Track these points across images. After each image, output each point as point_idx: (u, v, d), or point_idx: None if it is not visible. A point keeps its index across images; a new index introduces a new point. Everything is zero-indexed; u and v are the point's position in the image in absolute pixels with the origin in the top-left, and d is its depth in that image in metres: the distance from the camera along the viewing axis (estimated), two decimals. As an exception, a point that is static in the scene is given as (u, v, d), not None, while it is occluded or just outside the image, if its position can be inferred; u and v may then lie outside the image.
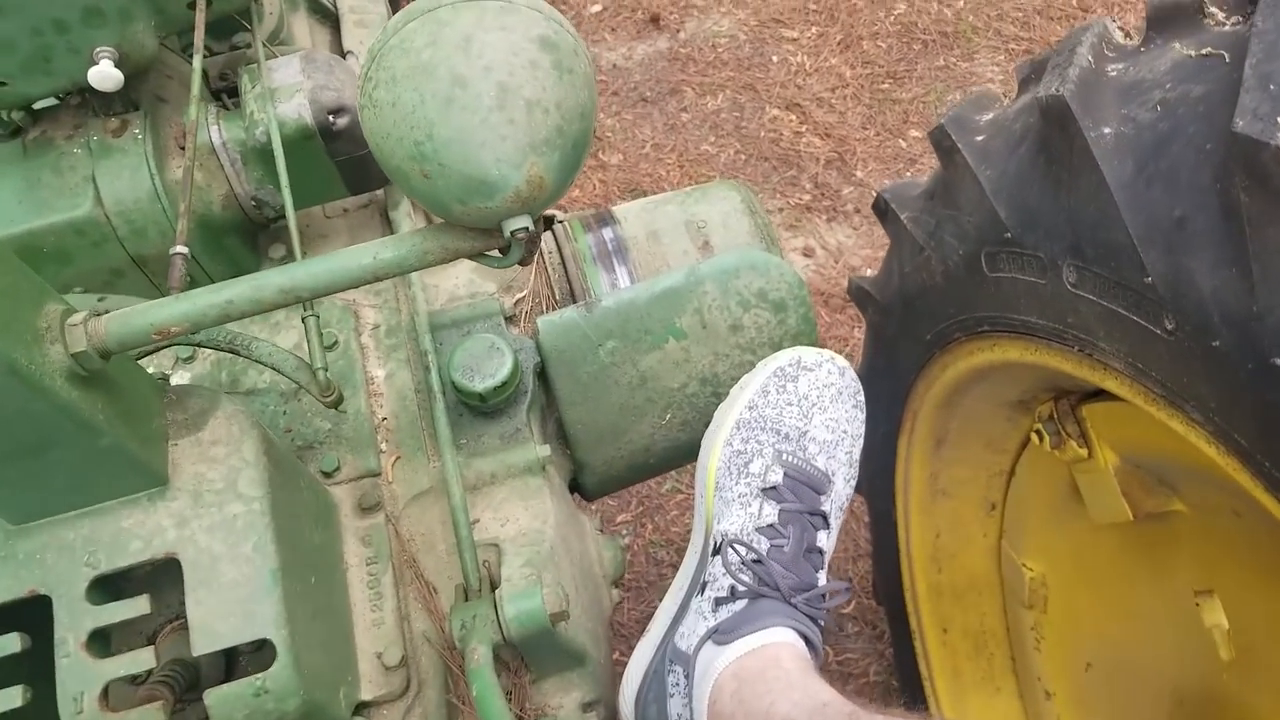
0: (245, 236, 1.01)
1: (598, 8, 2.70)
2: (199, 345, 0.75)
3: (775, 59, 2.53)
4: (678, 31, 2.63)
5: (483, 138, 0.56)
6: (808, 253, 2.12)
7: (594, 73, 0.63)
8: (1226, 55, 0.72)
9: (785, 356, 0.94)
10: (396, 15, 0.59)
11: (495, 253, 0.66)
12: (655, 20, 2.65)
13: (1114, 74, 0.82)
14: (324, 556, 0.82)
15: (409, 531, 0.91)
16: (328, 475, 0.92)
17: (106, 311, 0.64)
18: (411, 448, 0.95)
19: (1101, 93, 0.80)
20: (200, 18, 0.83)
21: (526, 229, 0.60)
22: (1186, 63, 0.76)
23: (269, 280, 0.63)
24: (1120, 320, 0.77)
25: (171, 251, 0.69)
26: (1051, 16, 2.46)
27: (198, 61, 0.81)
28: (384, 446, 0.96)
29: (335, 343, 0.98)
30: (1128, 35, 0.89)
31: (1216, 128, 0.67)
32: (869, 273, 2.12)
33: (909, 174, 2.26)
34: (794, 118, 2.41)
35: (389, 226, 1.06)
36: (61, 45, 0.81)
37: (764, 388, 0.93)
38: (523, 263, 0.67)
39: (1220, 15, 0.78)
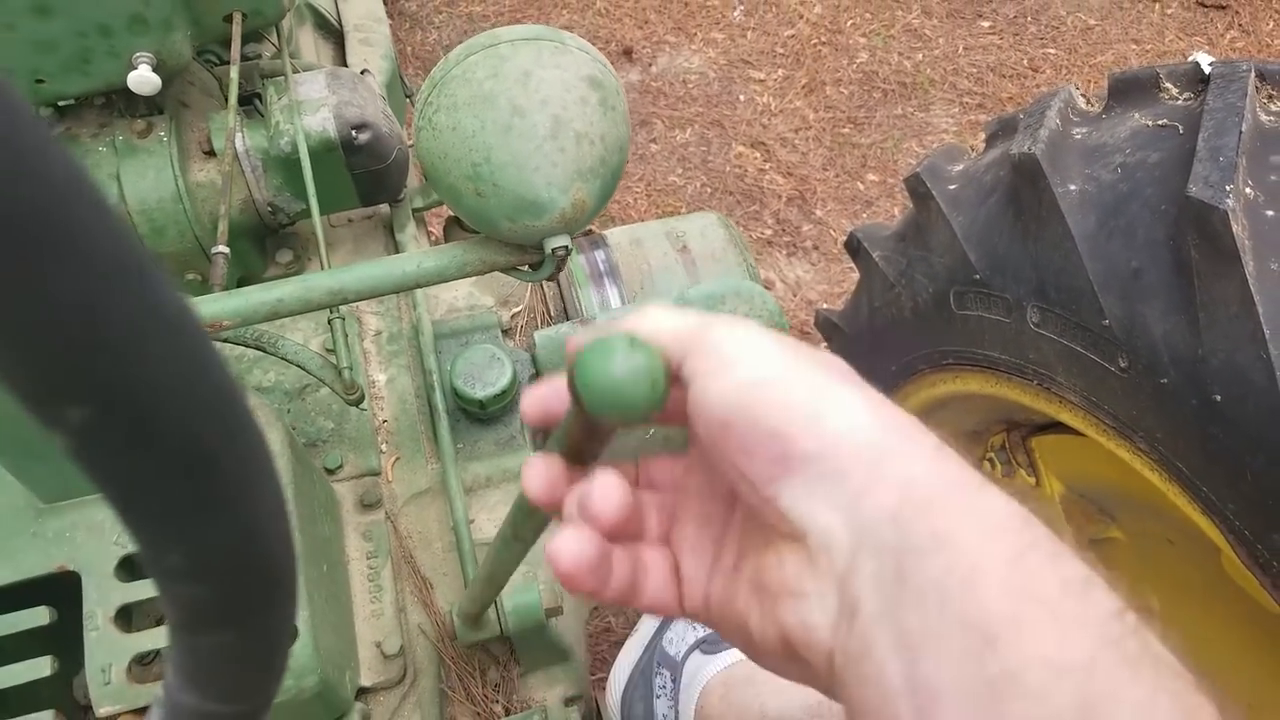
0: (255, 240, 1.05)
1: (571, 37, 2.77)
2: (228, 341, 0.79)
3: (742, 98, 2.63)
4: (649, 65, 2.72)
5: (536, 163, 0.62)
6: (768, 285, 2.21)
7: (626, 109, 0.70)
8: (1180, 127, 0.81)
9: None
10: (457, 48, 0.64)
11: (526, 267, 0.72)
12: (628, 53, 2.73)
13: (1079, 136, 0.91)
14: (331, 548, 0.86)
15: (407, 529, 0.95)
16: (331, 472, 0.96)
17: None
18: (411, 450, 1.00)
19: (1068, 153, 0.89)
20: (236, 31, 0.87)
21: (566, 246, 0.66)
22: (1144, 131, 0.85)
23: (318, 282, 0.67)
24: (1078, 358, 0.85)
25: (213, 250, 0.73)
26: (1003, 74, 2.60)
27: (234, 72, 0.85)
28: (384, 447, 1.00)
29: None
30: (1089, 102, 0.98)
31: (1171, 191, 0.76)
32: (824, 305, 2.21)
33: (866, 215, 2.36)
34: (758, 155, 2.50)
35: (393, 240, 1.11)
36: (103, 48, 0.85)
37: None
38: (550, 278, 0.72)
39: (1174, 90, 0.88)
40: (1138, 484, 0.86)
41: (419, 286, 0.69)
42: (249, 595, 0.26)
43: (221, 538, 0.24)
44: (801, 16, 2.78)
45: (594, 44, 2.86)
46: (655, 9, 2.83)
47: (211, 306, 0.67)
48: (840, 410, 0.31)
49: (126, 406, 0.20)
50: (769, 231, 2.35)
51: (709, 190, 2.42)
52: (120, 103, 0.95)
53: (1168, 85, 0.89)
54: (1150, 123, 0.86)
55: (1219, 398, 0.71)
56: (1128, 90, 0.91)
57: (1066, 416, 0.92)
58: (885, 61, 2.67)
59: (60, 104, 0.97)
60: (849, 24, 2.76)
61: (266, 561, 0.25)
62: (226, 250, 0.73)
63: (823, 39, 2.73)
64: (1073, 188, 0.85)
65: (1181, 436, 0.76)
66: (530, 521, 0.51)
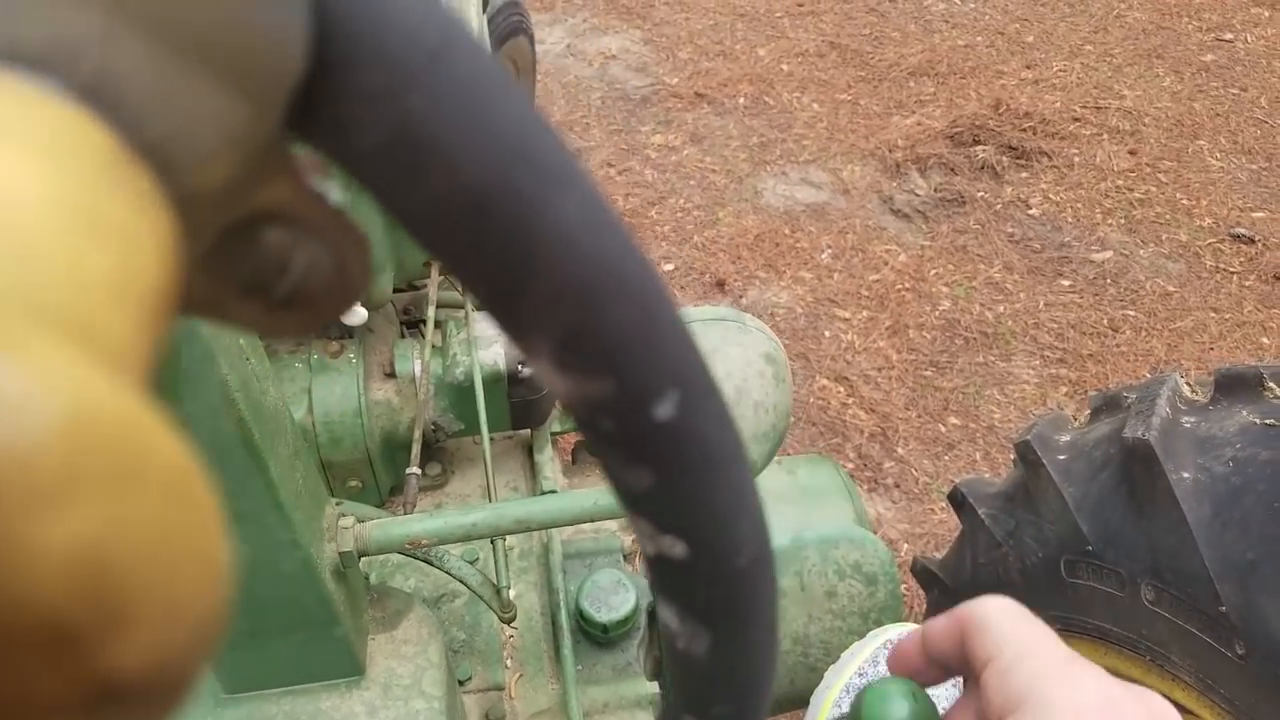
0: (410, 452, 1.14)
1: (670, 266, 2.97)
2: (405, 553, 0.87)
3: (828, 334, 2.76)
4: (740, 297, 2.89)
5: (718, 428, 0.71)
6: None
7: (792, 381, 0.79)
8: (1289, 429, 0.88)
9: (894, 630, 1.04)
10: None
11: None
12: (720, 285, 2.91)
13: (1188, 425, 0.98)
14: (461, 759, 0.90)
15: (525, 746, 0.99)
16: (461, 684, 1.00)
17: (360, 518, 0.76)
18: (534, 668, 1.04)
19: (1179, 440, 0.95)
20: (434, 276, 1.00)
21: (733, 501, 0.73)
22: (1253, 428, 0.91)
23: (508, 510, 0.75)
24: (1194, 639, 0.89)
25: (407, 471, 0.82)
26: (1083, 331, 2.70)
27: (431, 313, 0.97)
28: (508, 663, 1.05)
29: (476, 559, 1.10)
30: (1194, 391, 1.06)
31: (1284, 491, 0.82)
32: (906, 547, 2.24)
33: (948, 458, 2.42)
34: (842, 390, 2.61)
35: (529, 459, 1.20)
36: (321, 283, 0.98)
37: (874, 657, 1.03)
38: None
39: (1278, 390, 0.95)
40: (1254, 772, 0.87)
41: (594, 520, 0.77)
42: None
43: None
44: (886, 264, 2.95)
45: (689, 275, 3.03)
46: (748, 246, 3.03)
47: (414, 526, 0.75)
48: None
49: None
50: (850, 466, 2.41)
51: (792, 420, 2.51)
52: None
53: (1272, 385, 0.96)
54: (1258, 420, 0.93)
55: (1343, 698, 0.73)
56: (1233, 385, 0.98)
57: (1180, 696, 0.94)
58: (967, 311, 2.80)
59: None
60: (932, 273, 2.92)
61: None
62: (419, 471, 0.82)
63: (907, 285, 2.88)
64: (1186, 475, 0.91)
65: (1305, 731, 0.79)
66: None
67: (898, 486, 2.37)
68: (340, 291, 0.20)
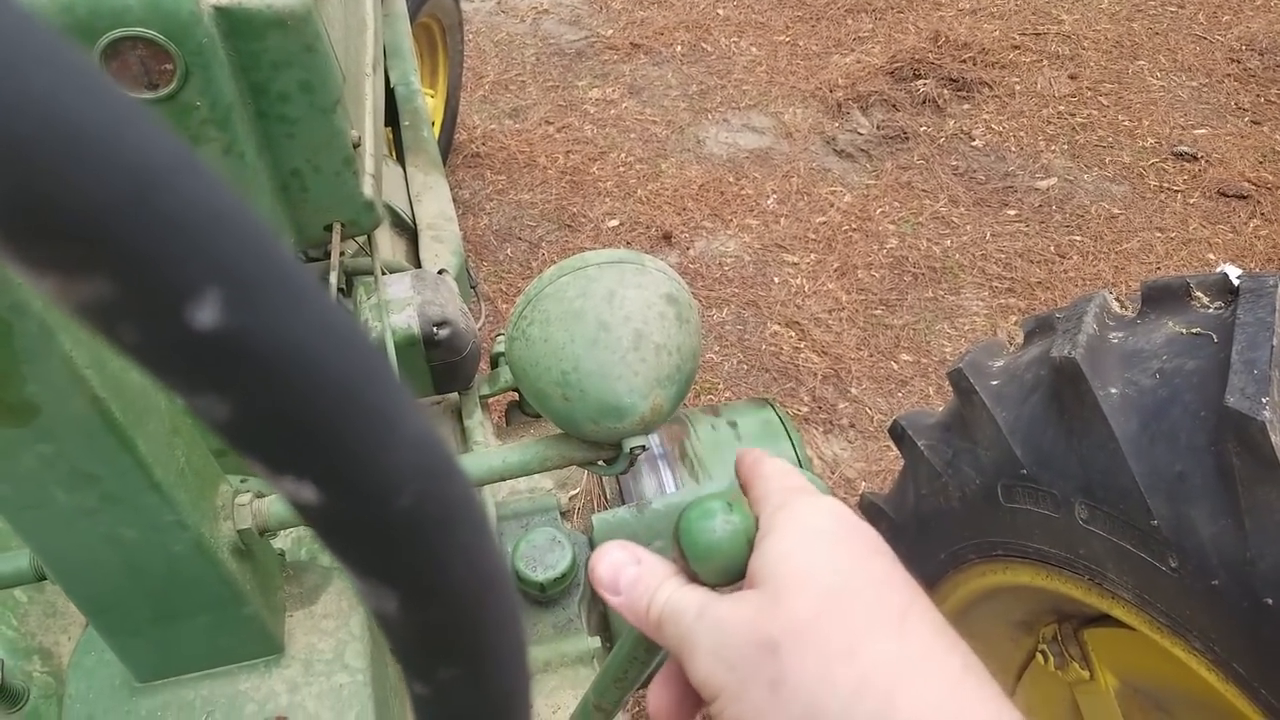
0: (332, 424, 1.11)
1: (615, 222, 2.93)
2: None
3: (776, 280, 2.74)
4: (687, 249, 2.85)
5: (619, 372, 0.68)
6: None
7: (699, 321, 0.76)
8: (1214, 336, 0.87)
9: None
10: (550, 269, 0.72)
11: (602, 462, 0.77)
12: (667, 237, 2.88)
13: (1115, 341, 0.96)
14: (398, 731, 0.88)
15: (467, 712, 0.97)
16: (396, 653, 0.98)
17: (260, 493, 0.73)
18: (472, 631, 1.02)
19: (1107, 356, 0.94)
20: (336, 239, 0.96)
21: (643, 446, 0.71)
22: (1179, 339, 0.90)
23: (412, 476, 0.72)
24: (1129, 555, 0.88)
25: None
26: (1031, 260, 2.70)
27: (333, 277, 0.94)
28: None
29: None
30: (1123, 306, 1.04)
31: (1209, 398, 0.81)
32: (867, 488, 2.24)
33: (901, 394, 2.42)
34: (793, 334, 2.59)
35: (460, 425, 1.17)
36: (217, 254, 0.94)
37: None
38: (623, 473, 0.77)
39: (1205, 299, 0.94)
40: (1195, 682, 0.87)
41: (503, 479, 0.74)
42: None
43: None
44: (832, 205, 2.93)
45: (635, 230, 3.00)
46: (692, 197, 2.99)
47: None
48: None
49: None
50: (805, 409, 2.40)
51: (745, 368, 2.50)
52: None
53: (1199, 294, 0.95)
54: (1184, 330, 0.91)
55: (1270, 601, 0.73)
56: (1160, 298, 0.97)
57: (1119, 612, 0.94)
58: (915, 247, 2.79)
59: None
60: (878, 212, 2.90)
61: None
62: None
63: (853, 225, 2.86)
64: (1114, 391, 0.90)
65: (1236, 637, 0.78)
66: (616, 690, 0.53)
67: (853, 426, 2.37)
68: None
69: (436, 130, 2.71)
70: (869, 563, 0.38)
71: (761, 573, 0.37)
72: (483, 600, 0.22)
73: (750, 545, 0.39)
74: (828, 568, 0.37)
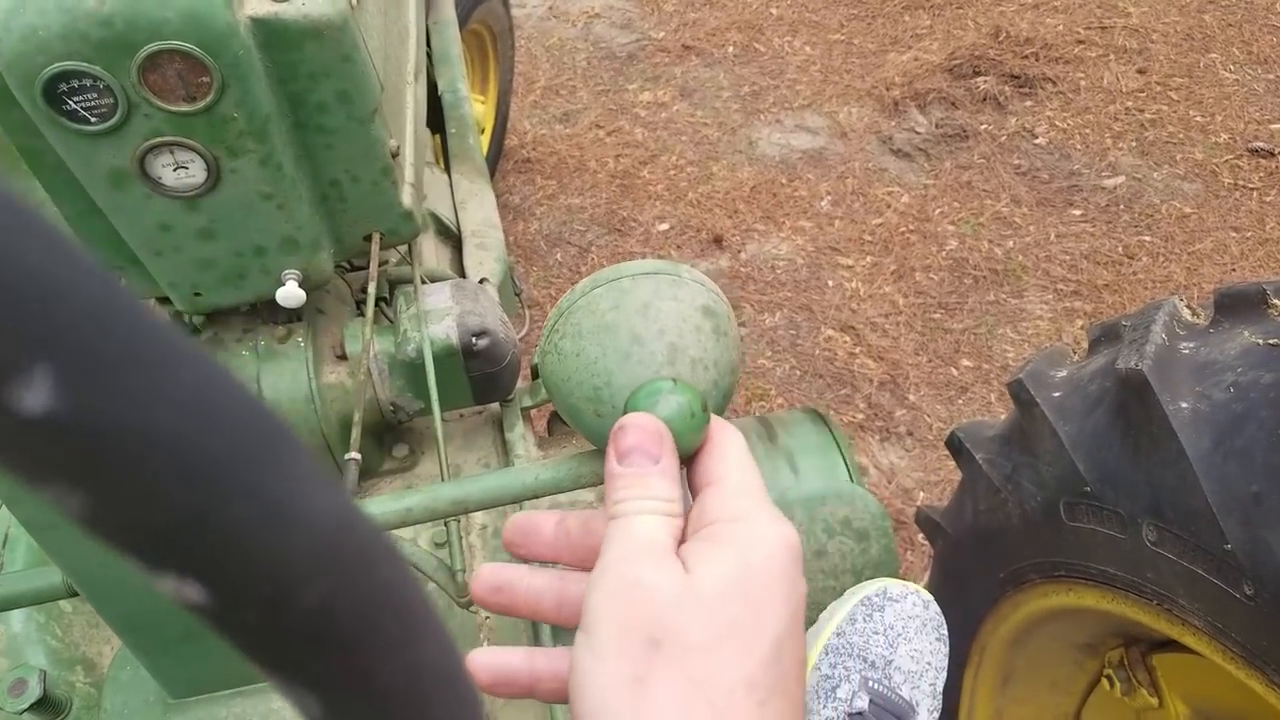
0: (374, 435, 1.10)
1: (665, 226, 2.90)
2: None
3: (831, 283, 2.69)
4: (739, 252, 2.81)
5: (654, 390, 0.65)
6: (861, 471, 2.19)
7: (739, 334, 0.73)
8: (1292, 348, 0.81)
9: (872, 586, 0.99)
10: (584, 280, 0.69)
11: (639, 482, 0.74)
12: (718, 241, 2.84)
13: (1186, 351, 0.91)
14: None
15: (505, 730, 0.95)
16: (434, 670, 0.96)
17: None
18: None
19: (1177, 369, 0.89)
20: (374, 250, 0.95)
21: (679, 467, 0.68)
22: (1255, 349, 0.85)
23: (444, 492, 0.70)
24: (1200, 581, 0.83)
25: (346, 457, 0.78)
26: (1098, 261, 2.61)
27: (371, 288, 0.92)
28: (485, 644, 1.01)
29: (445, 541, 1.05)
30: (1195, 314, 0.99)
31: (1288, 415, 0.75)
32: (924, 500, 2.18)
33: (960, 401, 2.35)
34: (848, 339, 2.54)
35: (501, 436, 1.15)
36: (256, 266, 0.93)
37: (851, 615, 0.98)
38: (661, 492, 0.74)
39: (1281, 308, 0.88)
40: (1272, 716, 0.81)
41: (536, 496, 0.72)
42: None
43: None
44: (889, 206, 2.87)
45: (685, 233, 2.97)
46: (744, 199, 2.95)
47: (342, 517, 0.70)
48: None
49: None
50: (861, 416, 2.35)
51: (798, 373, 2.45)
52: (264, 310, 1.03)
53: (1276, 302, 0.89)
54: (1261, 340, 0.86)
55: (1359, 636, 0.67)
56: (1235, 305, 0.91)
57: (1190, 640, 0.88)
58: (975, 249, 2.71)
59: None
60: (937, 212, 2.83)
61: None
62: (358, 456, 0.77)
63: (911, 227, 2.80)
64: (1184, 405, 0.85)
65: (1320, 673, 0.73)
66: None
67: (910, 434, 2.31)
68: None
69: (487, 137, 2.71)
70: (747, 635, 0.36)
71: (691, 564, 0.37)
72: (427, 700, 0.20)
73: (698, 428, 0.41)
74: (725, 619, 0.36)
